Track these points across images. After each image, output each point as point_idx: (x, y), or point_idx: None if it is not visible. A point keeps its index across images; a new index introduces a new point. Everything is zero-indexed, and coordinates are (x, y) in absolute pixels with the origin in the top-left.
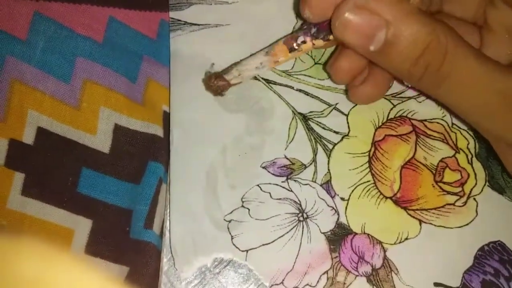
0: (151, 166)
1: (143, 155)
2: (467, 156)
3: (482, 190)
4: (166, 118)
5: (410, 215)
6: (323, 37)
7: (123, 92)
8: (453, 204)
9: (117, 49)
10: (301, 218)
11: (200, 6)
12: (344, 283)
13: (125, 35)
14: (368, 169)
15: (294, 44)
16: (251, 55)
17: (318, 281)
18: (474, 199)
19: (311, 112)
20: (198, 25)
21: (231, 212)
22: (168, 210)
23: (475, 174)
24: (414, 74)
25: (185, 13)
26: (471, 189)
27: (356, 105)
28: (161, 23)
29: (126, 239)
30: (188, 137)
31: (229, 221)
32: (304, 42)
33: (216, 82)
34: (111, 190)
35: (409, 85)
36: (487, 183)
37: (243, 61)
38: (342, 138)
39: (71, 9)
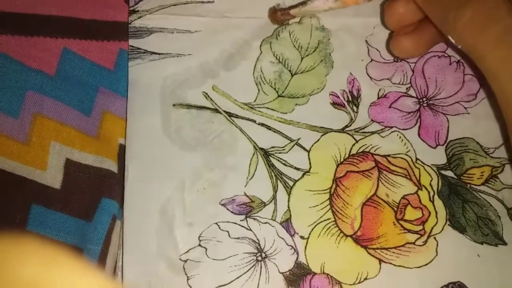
0: (104, 203)
1: (96, 191)
2: (429, 193)
3: (442, 229)
4: (122, 152)
5: (370, 254)
6: None
7: (76, 125)
8: (414, 243)
9: (70, 81)
10: (260, 258)
11: (161, 35)
12: None
13: (80, 67)
14: (328, 207)
15: None
16: None
17: None
18: (435, 238)
19: (272, 147)
20: (159, 54)
21: (187, 252)
22: (121, 249)
23: (436, 213)
24: (465, 12)
25: (146, 41)
26: (432, 228)
27: (318, 140)
28: (120, 52)
29: None
30: (144, 172)
31: (185, 261)
32: None
33: (281, 16)
34: (62, 227)
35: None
36: (447, 222)
37: (311, 2)
38: (303, 174)
39: (22, 41)
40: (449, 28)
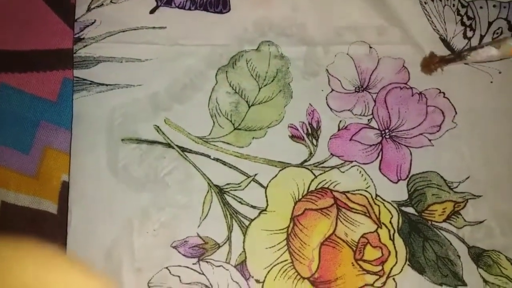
0: None
1: (33, 235)
2: (389, 231)
3: (402, 270)
4: (65, 190)
5: None
6: None
7: (11, 166)
8: (372, 285)
9: (7, 119)
10: None
11: (109, 64)
12: None
13: (18, 102)
14: (285, 247)
15: None
16: (479, 47)
17: None
18: (394, 279)
19: (227, 184)
20: (106, 85)
21: None
22: None
23: (396, 252)
24: None
25: (92, 72)
26: (391, 268)
27: (276, 176)
28: (64, 82)
29: None
30: (89, 213)
31: None
32: None
33: (437, 65)
34: None
35: None
36: (407, 262)
37: (471, 52)
38: (260, 213)
39: None
40: None
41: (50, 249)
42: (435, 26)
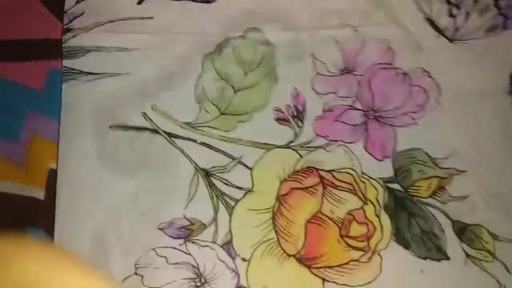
0: (29, 232)
1: (20, 220)
2: (375, 207)
3: (387, 245)
4: (53, 177)
5: (313, 273)
6: None
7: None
8: (358, 260)
9: None
10: (199, 283)
11: (97, 54)
12: None
13: (6, 91)
14: (271, 226)
15: None
16: None
17: None
18: (379, 254)
19: (213, 167)
20: (95, 74)
21: (122, 281)
22: None
23: (382, 228)
24: None
25: (81, 62)
26: (377, 244)
27: (261, 157)
28: (52, 72)
29: None
30: (77, 198)
31: None
32: None
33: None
34: None
35: None
36: (393, 237)
37: None
38: (246, 194)
39: None
40: None
41: (52, 247)
42: (421, 7)
